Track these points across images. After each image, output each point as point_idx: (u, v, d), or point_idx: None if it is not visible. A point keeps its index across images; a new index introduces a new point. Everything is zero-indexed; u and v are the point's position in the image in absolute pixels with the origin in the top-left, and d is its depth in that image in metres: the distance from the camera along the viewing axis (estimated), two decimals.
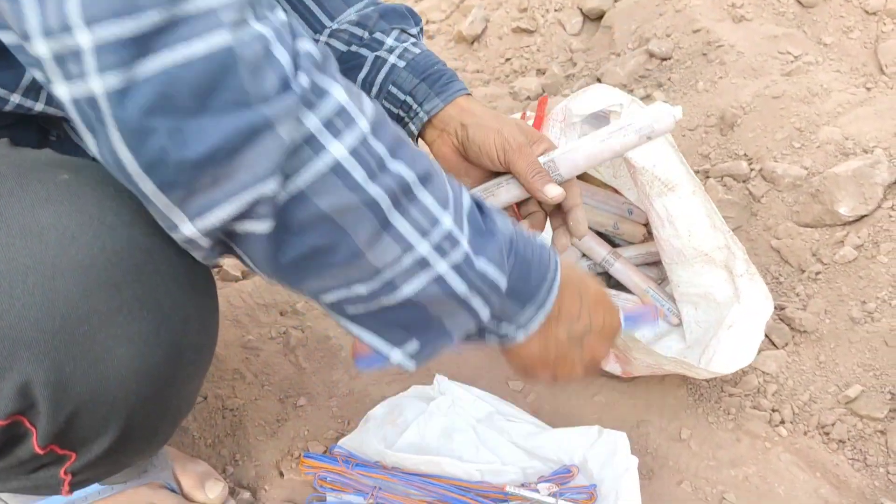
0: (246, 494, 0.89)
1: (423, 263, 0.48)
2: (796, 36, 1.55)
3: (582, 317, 0.62)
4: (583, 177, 1.21)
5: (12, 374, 0.45)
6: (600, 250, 1.13)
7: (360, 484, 0.88)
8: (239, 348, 1.07)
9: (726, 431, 1.00)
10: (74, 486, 0.56)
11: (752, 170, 1.32)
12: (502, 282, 0.53)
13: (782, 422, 1.00)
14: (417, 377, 1.06)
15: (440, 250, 0.49)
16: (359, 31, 0.79)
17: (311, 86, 0.43)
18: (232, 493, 0.88)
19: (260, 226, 0.43)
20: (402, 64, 0.78)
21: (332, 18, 0.79)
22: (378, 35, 0.79)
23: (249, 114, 0.39)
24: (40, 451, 0.49)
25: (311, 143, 0.43)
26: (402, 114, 0.81)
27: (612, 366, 1.05)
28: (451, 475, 0.88)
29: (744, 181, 1.31)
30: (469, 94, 0.81)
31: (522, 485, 0.88)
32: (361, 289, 0.48)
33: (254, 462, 0.94)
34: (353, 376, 1.06)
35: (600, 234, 1.20)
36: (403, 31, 0.81)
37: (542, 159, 0.77)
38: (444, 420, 0.93)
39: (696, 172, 1.36)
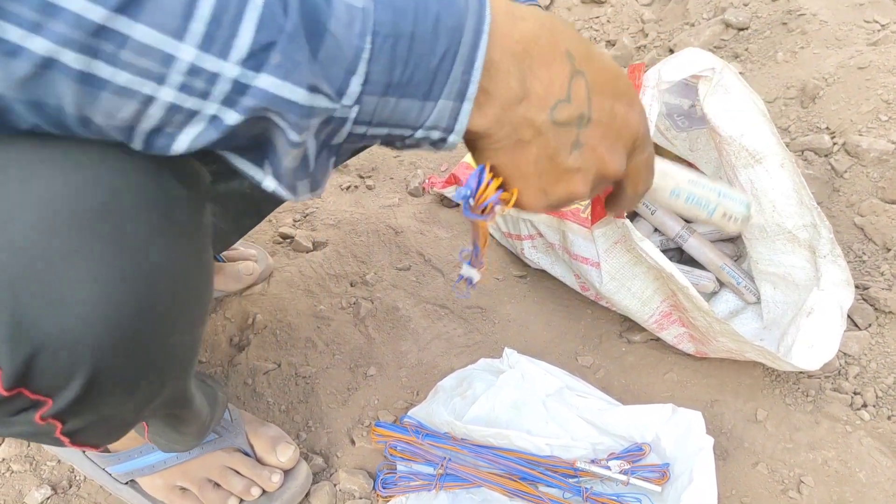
0: (319, 460, 0.91)
1: (182, 111, 0.39)
2: (884, 3, 1.48)
3: (575, 97, 0.45)
4: (657, 150, 1.18)
5: None
6: (674, 225, 1.10)
7: (430, 454, 0.89)
8: (310, 317, 1.09)
9: (805, 414, 0.97)
10: (75, 440, 0.54)
11: (834, 144, 1.26)
12: (297, 93, 0.39)
13: (864, 405, 0.97)
14: (486, 350, 1.06)
15: (191, 91, 0.38)
16: None
17: None
18: (305, 458, 0.90)
19: None
20: None
21: None
22: None
23: None
24: (5, 394, 0.45)
25: None
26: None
27: (685, 345, 1.03)
28: (520, 448, 0.88)
29: (826, 155, 1.26)
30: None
31: (593, 461, 0.87)
32: (137, 144, 0.41)
33: (326, 429, 0.95)
34: (421, 348, 1.06)
35: None
36: None
37: None
38: (513, 393, 0.93)
39: None
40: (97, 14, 0.35)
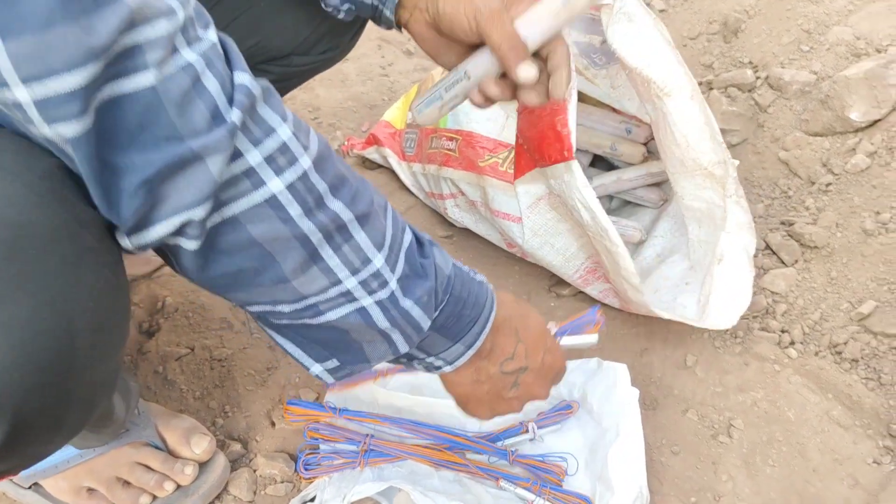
0: (237, 446, 0.86)
1: (348, 296, 0.51)
2: None
3: (517, 356, 0.64)
4: (579, 97, 1.14)
5: None
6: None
7: (352, 432, 0.85)
8: None
9: (733, 356, 0.96)
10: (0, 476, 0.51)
11: (757, 78, 1.24)
12: (425, 322, 0.55)
13: (792, 343, 0.96)
14: None
15: (366, 286, 0.51)
16: None
17: (252, 121, 0.45)
18: (222, 445, 0.86)
19: (189, 244, 0.45)
20: None
21: None
22: None
23: (177, 147, 0.41)
24: None
25: (250, 176, 0.45)
26: (375, 2, 0.77)
27: (610, 300, 1.01)
28: (444, 427, 0.85)
29: (749, 91, 1.24)
30: None
31: (521, 423, 0.85)
32: (285, 308, 0.51)
33: (244, 413, 0.91)
34: None
35: (597, 157, 1.14)
36: None
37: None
38: None
39: (699, 84, 1.29)
40: (347, 216, 0.49)
